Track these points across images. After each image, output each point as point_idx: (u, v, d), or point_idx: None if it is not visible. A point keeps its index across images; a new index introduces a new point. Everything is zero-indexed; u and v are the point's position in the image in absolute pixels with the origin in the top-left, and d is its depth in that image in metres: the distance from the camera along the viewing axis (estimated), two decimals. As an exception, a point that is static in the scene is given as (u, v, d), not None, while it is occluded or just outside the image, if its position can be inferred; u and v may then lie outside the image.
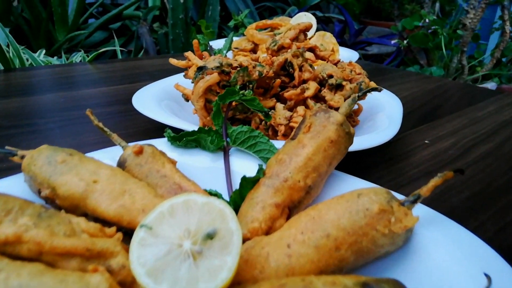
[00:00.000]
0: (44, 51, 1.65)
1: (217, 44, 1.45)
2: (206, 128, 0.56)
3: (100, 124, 0.53)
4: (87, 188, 0.42)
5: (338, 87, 0.76)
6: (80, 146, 0.76)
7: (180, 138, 0.56)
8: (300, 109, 0.70)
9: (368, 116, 0.86)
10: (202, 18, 2.38)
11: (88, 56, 2.21)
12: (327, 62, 0.87)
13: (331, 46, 1.35)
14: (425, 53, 2.65)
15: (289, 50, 0.79)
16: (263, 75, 0.72)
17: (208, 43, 1.11)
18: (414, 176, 0.72)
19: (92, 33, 2.47)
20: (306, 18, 1.39)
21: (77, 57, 1.78)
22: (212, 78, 0.68)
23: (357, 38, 2.46)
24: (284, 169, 0.45)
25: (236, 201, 0.48)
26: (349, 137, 0.48)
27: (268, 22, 1.36)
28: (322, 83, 0.77)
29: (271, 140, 0.57)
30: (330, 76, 0.76)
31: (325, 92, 0.75)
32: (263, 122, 0.73)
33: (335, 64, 0.86)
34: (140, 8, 2.77)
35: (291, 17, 1.82)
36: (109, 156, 0.54)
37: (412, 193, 0.42)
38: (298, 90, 0.73)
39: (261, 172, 0.46)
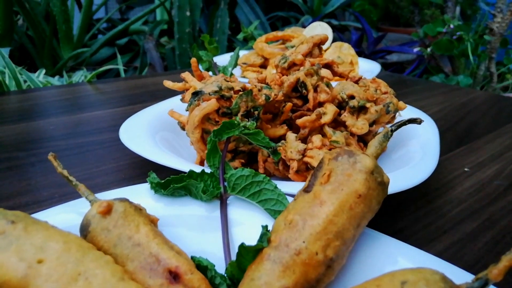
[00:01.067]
0: (44, 71, 1.58)
1: (224, 59, 1.35)
2: (198, 171, 0.46)
3: (65, 172, 0.43)
4: (28, 272, 0.31)
5: (361, 110, 0.65)
6: (63, 185, 0.66)
7: (166, 185, 0.45)
8: (316, 140, 0.58)
9: (396, 141, 0.74)
10: (211, 30, 2.30)
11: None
12: (346, 79, 0.76)
13: (350, 58, 1.23)
14: (449, 60, 2.51)
15: (301, 68, 0.68)
16: (271, 99, 0.61)
17: (212, 60, 1.01)
18: (458, 217, 0.59)
19: (97, 49, 2.41)
20: (320, 28, 1.28)
21: (79, 76, 1.70)
22: (209, 105, 0.57)
23: (376, 46, 2.34)
24: (296, 236, 0.34)
25: (234, 274, 0.37)
26: (383, 189, 0.37)
27: (279, 34, 1.26)
28: (341, 105, 0.65)
29: (282, 180, 0.46)
30: (351, 97, 0.65)
31: (346, 117, 0.64)
32: (272, 154, 0.62)
33: (356, 82, 0.75)
34: (148, 22, 2.71)
35: (304, 27, 1.72)
36: (77, 211, 0.43)
37: (477, 276, 0.30)
38: (313, 115, 0.61)
39: (265, 238, 0.35)
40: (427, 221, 0.58)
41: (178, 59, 2.00)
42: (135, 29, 2.33)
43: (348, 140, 0.62)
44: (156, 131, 0.72)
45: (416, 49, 2.16)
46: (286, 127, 0.65)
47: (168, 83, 0.73)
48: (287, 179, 0.60)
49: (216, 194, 0.45)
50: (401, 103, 0.69)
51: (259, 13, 2.29)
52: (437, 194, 0.66)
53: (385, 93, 0.69)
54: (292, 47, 1.18)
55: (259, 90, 0.62)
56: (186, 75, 0.73)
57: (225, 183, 0.46)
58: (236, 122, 0.48)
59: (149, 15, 2.82)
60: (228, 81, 0.65)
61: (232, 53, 1.54)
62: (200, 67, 1.04)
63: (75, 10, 2.61)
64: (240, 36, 1.53)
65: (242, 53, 1.46)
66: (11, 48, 1.94)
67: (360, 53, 2.25)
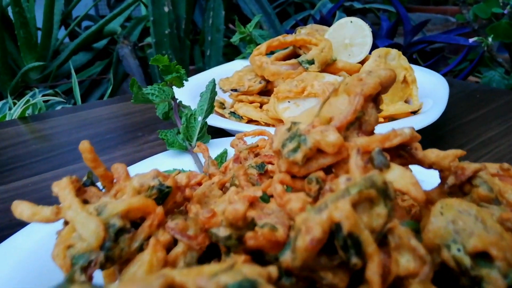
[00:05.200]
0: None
1: (212, 76, 0.93)
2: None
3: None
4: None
5: None
6: None
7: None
8: None
9: None
10: (202, 28, 1.87)
11: (56, 92, 1.75)
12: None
13: (402, 74, 0.81)
14: (508, 50, 2.04)
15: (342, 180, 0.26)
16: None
17: (174, 100, 0.60)
18: None
19: (68, 57, 2.02)
20: (353, 27, 0.85)
21: (25, 100, 1.31)
22: None
23: (415, 36, 1.89)
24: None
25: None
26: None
27: (288, 38, 0.84)
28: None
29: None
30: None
31: None
32: None
33: (474, 175, 0.33)
34: (131, 19, 2.30)
35: (324, 21, 1.29)
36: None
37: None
38: None
39: None
40: None
41: (157, 70, 1.59)
42: (109, 30, 1.93)
43: None
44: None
45: (472, 40, 1.70)
46: None
47: (24, 214, 0.32)
48: None
49: None
50: None
51: (263, 2, 1.85)
52: None
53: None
54: (309, 62, 0.76)
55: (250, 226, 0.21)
56: (59, 188, 0.32)
57: None
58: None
59: (134, 11, 2.41)
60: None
61: (231, 63, 1.12)
62: (159, 111, 0.63)
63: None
64: (235, 38, 1.11)
65: (240, 64, 1.04)
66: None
67: (396, 49, 1.80)
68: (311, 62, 0.76)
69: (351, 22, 0.85)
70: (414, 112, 0.74)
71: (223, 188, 0.42)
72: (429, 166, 0.32)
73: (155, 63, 0.58)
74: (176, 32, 1.59)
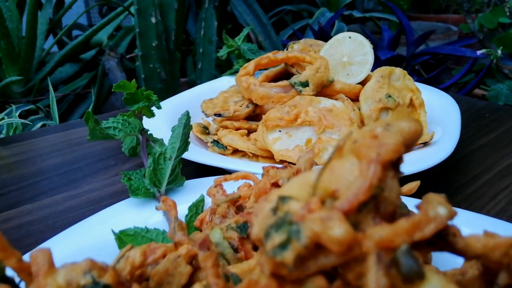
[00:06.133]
0: None
1: (199, 94, 0.83)
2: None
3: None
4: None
5: None
6: None
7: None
8: None
9: None
10: (193, 40, 1.78)
11: (38, 107, 1.66)
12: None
13: (408, 97, 0.72)
14: (515, 60, 1.96)
15: None
16: None
17: (143, 134, 0.51)
18: None
19: (53, 69, 1.93)
20: (352, 43, 0.76)
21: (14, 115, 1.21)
22: None
23: (418, 48, 1.80)
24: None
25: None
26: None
27: (279, 56, 0.75)
28: None
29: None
30: None
31: None
32: None
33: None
34: (121, 29, 2.22)
35: (323, 31, 1.21)
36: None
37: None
38: None
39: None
40: None
41: (144, 84, 1.50)
42: (97, 41, 1.84)
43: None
44: None
45: (480, 52, 1.61)
46: None
47: None
48: None
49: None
50: None
51: (258, 12, 1.77)
52: None
53: None
54: (303, 84, 0.67)
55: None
56: None
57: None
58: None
59: (125, 20, 2.33)
60: None
61: (218, 80, 1.03)
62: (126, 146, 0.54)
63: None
64: (222, 52, 1.03)
65: (228, 82, 0.95)
66: None
67: (395, 62, 1.71)
68: (305, 84, 0.67)
69: (350, 37, 0.76)
70: (424, 143, 0.65)
71: (193, 260, 0.33)
72: (473, 257, 0.23)
73: (118, 89, 0.49)
74: (165, 44, 1.50)
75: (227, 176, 0.45)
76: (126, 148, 0.53)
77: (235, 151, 0.68)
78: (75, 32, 2.83)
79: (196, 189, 0.51)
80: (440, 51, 1.74)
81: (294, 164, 0.60)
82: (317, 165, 0.60)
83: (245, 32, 1.04)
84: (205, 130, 0.78)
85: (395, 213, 0.23)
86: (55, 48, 2.40)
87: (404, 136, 0.22)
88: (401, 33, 1.83)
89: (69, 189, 0.70)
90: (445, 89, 2.11)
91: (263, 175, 0.44)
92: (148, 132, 0.52)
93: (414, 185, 0.40)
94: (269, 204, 0.23)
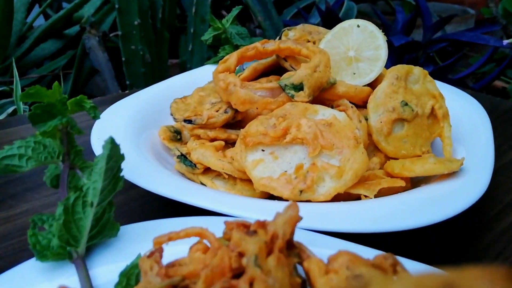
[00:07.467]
0: None
1: (187, 83, 0.67)
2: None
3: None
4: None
5: None
6: None
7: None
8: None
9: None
10: (184, 19, 1.61)
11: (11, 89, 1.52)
12: None
13: (429, 104, 0.58)
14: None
15: None
16: None
17: (65, 160, 0.37)
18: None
19: (33, 45, 1.77)
20: (360, 32, 0.62)
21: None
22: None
23: (436, 33, 1.64)
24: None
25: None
26: None
27: (269, 47, 0.61)
28: None
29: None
30: None
31: None
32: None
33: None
34: (108, 2, 2.05)
35: (330, 12, 1.08)
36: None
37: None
38: None
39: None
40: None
41: (126, 69, 1.34)
42: (79, 16, 1.68)
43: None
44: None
45: (507, 41, 1.45)
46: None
47: None
48: None
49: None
50: None
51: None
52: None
53: None
54: (296, 88, 0.52)
55: None
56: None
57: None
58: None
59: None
60: None
61: (199, 69, 0.88)
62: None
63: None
64: (207, 36, 0.88)
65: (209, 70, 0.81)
66: None
67: (412, 47, 1.54)
68: (299, 87, 0.52)
69: (358, 26, 0.61)
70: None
71: None
72: None
73: (25, 99, 0.35)
74: (151, 22, 1.34)
75: (173, 234, 0.32)
76: (48, 177, 0.39)
77: (206, 171, 0.54)
78: (65, 4, 2.65)
79: (138, 237, 0.37)
80: (460, 38, 1.57)
81: (280, 198, 0.46)
82: (310, 201, 0.46)
83: (234, 12, 0.89)
84: (177, 136, 0.64)
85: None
86: (42, 22, 2.24)
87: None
88: (417, 16, 1.66)
89: (1, 208, 0.56)
90: (461, 80, 1.94)
91: (222, 238, 0.31)
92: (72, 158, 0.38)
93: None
94: None
